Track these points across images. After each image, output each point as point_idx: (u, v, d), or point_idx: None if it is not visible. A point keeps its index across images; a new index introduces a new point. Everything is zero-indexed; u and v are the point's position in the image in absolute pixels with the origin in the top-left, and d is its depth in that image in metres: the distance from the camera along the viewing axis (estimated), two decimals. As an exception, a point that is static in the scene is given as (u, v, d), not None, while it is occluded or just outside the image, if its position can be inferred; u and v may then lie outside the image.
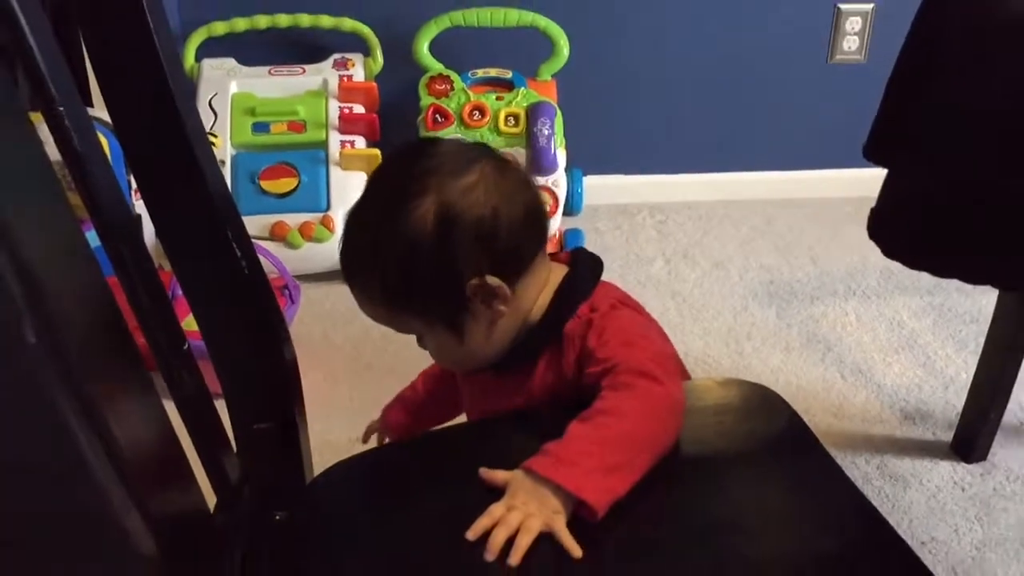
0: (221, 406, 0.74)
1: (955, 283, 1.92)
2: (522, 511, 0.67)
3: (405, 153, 0.83)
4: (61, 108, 0.53)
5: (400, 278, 0.78)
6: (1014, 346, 1.35)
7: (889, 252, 0.82)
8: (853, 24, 2.22)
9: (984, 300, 1.85)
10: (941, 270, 0.83)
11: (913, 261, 0.81)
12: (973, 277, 0.80)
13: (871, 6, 2.19)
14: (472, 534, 0.66)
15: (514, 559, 0.64)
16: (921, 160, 0.80)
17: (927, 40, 0.82)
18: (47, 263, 0.38)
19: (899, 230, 0.83)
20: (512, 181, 0.80)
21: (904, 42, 0.88)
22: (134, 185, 1.68)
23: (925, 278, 1.95)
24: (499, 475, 0.70)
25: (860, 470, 1.41)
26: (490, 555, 0.65)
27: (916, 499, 1.36)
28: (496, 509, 0.67)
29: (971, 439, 1.43)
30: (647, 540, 0.66)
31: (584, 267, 0.85)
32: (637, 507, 0.68)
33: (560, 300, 0.83)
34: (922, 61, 0.83)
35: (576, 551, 0.65)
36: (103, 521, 0.37)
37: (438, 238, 0.76)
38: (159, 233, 0.72)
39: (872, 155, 0.92)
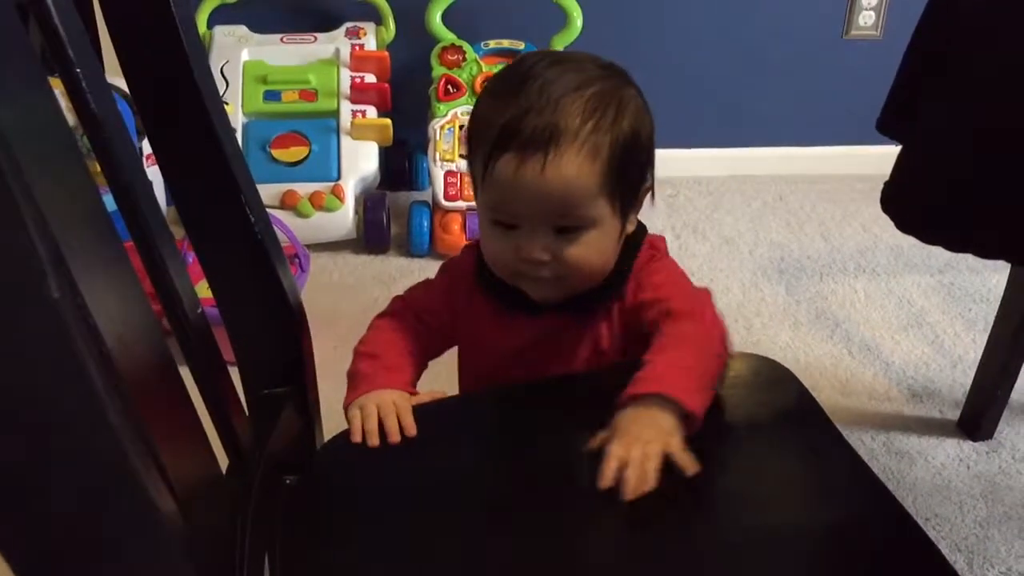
0: (234, 373, 0.75)
1: (965, 262, 1.92)
2: (640, 443, 0.67)
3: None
4: (79, 70, 0.53)
5: (625, 150, 0.78)
6: (1022, 325, 1.35)
7: (902, 226, 0.82)
8: (869, -1, 2.20)
9: (994, 279, 1.85)
10: (955, 244, 0.82)
11: (926, 235, 0.81)
12: (987, 251, 0.79)
13: (888, -19, 2.17)
14: (605, 483, 0.66)
15: (648, 486, 0.65)
16: (934, 128, 0.80)
17: (946, 7, 0.82)
18: (68, 225, 0.39)
19: (913, 203, 0.82)
20: None
21: (923, 12, 0.87)
22: (146, 151, 1.69)
23: (935, 257, 1.95)
24: (599, 437, 0.70)
25: (866, 446, 1.42)
26: (629, 495, 0.65)
27: (921, 476, 1.36)
28: (616, 450, 0.67)
29: (978, 417, 1.43)
30: (656, 509, 0.66)
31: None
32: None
33: (630, 244, 0.85)
34: (940, 31, 0.83)
35: (693, 467, 0.67)
36: (125, 479, 0.38)
37: (647, 133, 0.81)
38: (173, 197, 0.72)
39: (886, 128, 0.92)
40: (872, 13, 2.22)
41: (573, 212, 0.78)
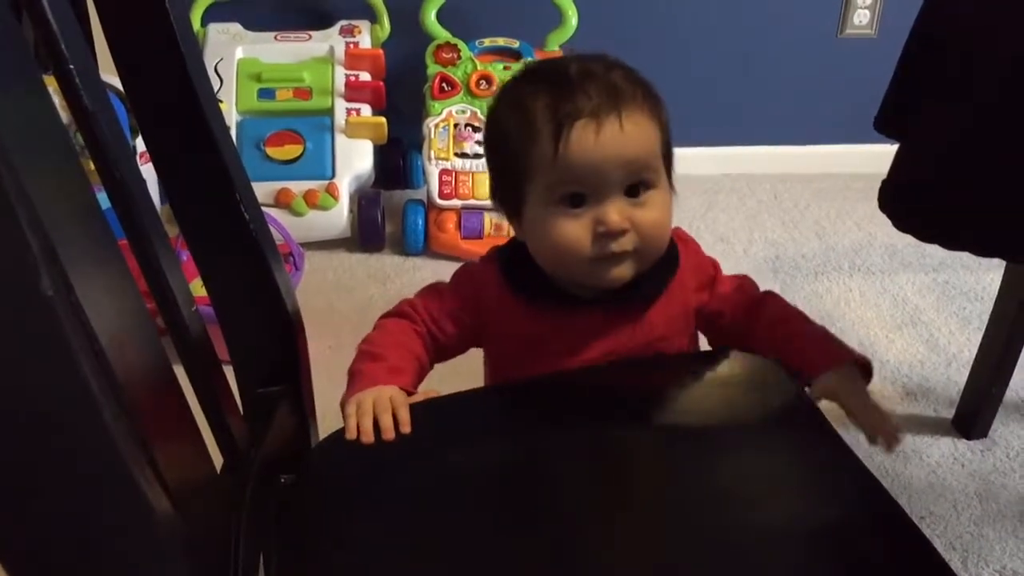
0: (229, 372, 0.74)
1: (960, 260, 1.92)
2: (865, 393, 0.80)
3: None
4: (73, 67, 0.53)
5: (666, 117, 0.83)
6: (1017, 324, 1.35)
7: (899, 225, 0.82)
8: (864, -2, 2.20)
9: (989, 278, 1.85)
10: (951, 243, 0.83)
11: (923, 234, 0.81)
12: (983, 249, 0.80)
13: (883, -20, 2.17)
14: (890, 446, 0.78)
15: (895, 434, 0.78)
16: (931, 126, 0.80)
17: (943, 4, 0.82)
18: (62, 223, 0.38)
19: (910, 202, 0.83)
20: None
21: (920, 10, 0.87)
22: (139, 149, 1.68)
23: (930, 255, 1.95)
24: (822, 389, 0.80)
25: (862, 445, 1.41)
26: (894, 446, 0.79)
27: (916, 474, 1.36)
28: (858, 399, 0.79)
29: (972, 416, 1.43)
30: (651, 507, 0.66)
31: None
32: (643, 475, 0.69)
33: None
34: (938, 29, 0.83)
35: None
36: (120, 478, 0.38)
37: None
38: (168, 195, 0.72)
39: (883, 127, 0.92)
40: (867, 12, 2.22)
41: (646, 168, 0.80)
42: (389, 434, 0.75)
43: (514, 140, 0.80)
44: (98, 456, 0.37)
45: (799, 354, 0.83)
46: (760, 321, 0.87)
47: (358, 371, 0.83)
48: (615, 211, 0.79)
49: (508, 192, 0.84)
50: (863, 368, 0.82)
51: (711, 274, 0.90)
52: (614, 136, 0.77)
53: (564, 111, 0.77)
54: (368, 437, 0.75)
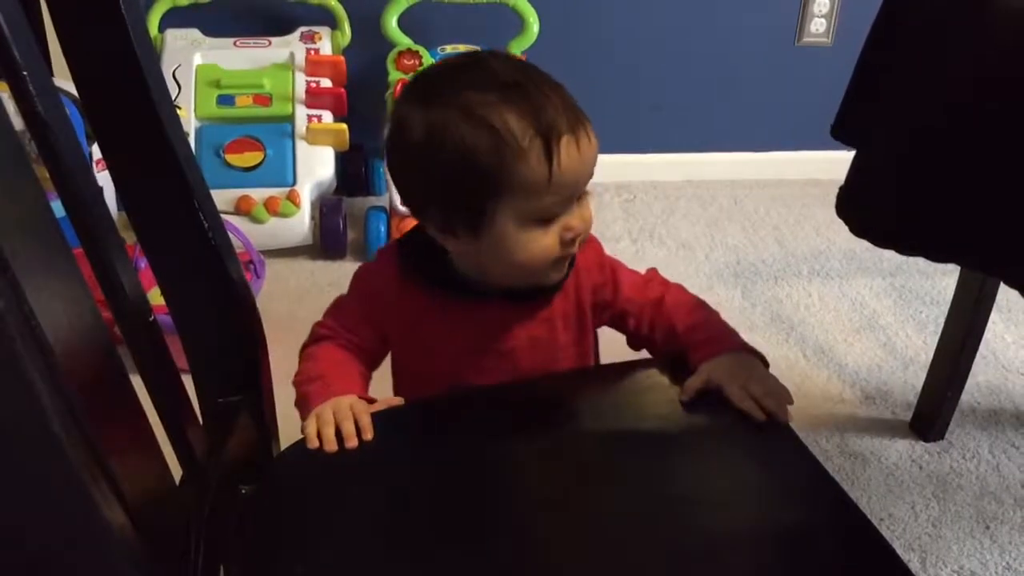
0: (188, 382, 0.73)
1: (916, 265, 1.95)
2: (763, 377, 0.80)
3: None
4: (26, 73, 0.52)
5: None
6: (972, 328, 1.37)
7: (857, 230, 0.83)
8: (820, 7, 2.23)
9: (944, 282, 1.88)
10: (906, 248, 0.84)
11: (880, 239, 0.82)
12: (937, 255, 0.81)
13: (839, -11, 2.20)
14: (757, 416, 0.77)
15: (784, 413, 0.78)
16: (885, 133, 0.81)
17: (899, 12, 0.84)
18: (13, 231, 0.38)
19: (867, 207, 0.84)
20: None
21: (875, 18, 0.89)
22: (96, 156, 1.66)
23: (887, 260, 1.98)
24: (694, 383, 0.80)
25: (820, 448, 1.43)
26: (784, 416, 0.78)
27: (875, 476, 1.38)
28: (734, 387, 0.79)
29: (929, 418, 1.45)
30: (611, 512, 0.66)
31: None
32: (603, 480, 0.69)
33: None
34: (893, 37, 0.84)
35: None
36: (71, 490, 0.37)
37: None
38: (125, 202, 0.71)
39: (839, 134, 0.93)
40: (823, 20, 2.25)
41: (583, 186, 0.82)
42: (352, 441, 0.75)
43: (485, 157, 0.75)
44: (48, 468, 0.37)
45: (686, 345, 0.85)
46: (660, 321, 0.89)
47: (306, 393, 0.83)
48: (578, 218, 0.80)
49: (455, 207, 0.79)
50: (757, 358, 0.84)
51: (611, 277, 0.91)
52: (586, 150, 0.78)
53: (545, 128, 0.75)
54: (331, 446, 0.75)
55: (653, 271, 0.94)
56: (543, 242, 0.79)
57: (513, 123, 0.75)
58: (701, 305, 0.91)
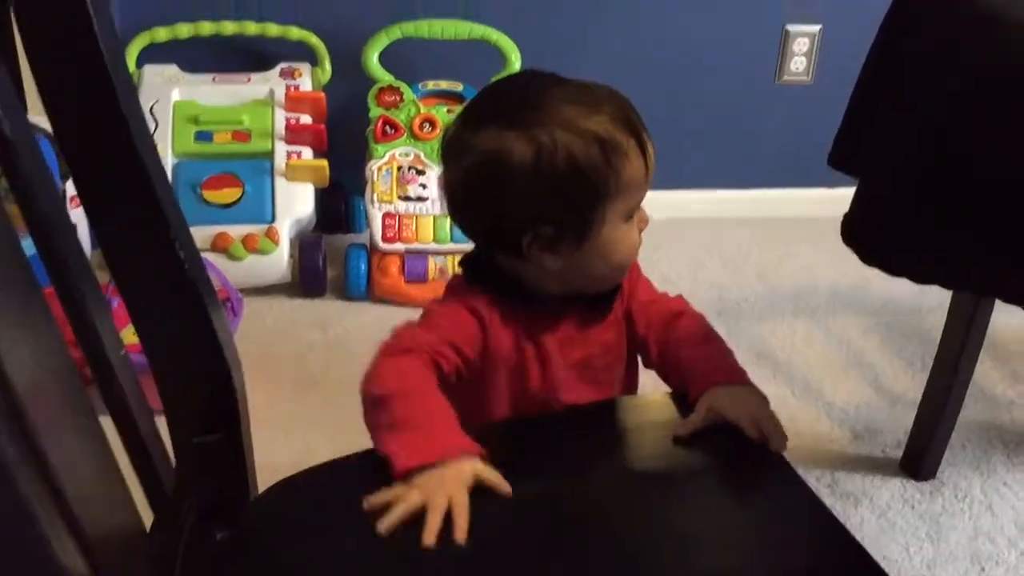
0: (161, 423, 0.70)
1: (902, 302, 1.94)
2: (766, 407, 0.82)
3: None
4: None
5: None
6: (961, 365, 1.36)
7: (865, 257, 0.82)
8: (800, 45, 2.24)
9: (931, 320, 1.87)
10: (918, 275, 0.83)
11: (890, 265, 0.81)
12: (952, 282, 0.80)
13: (818, 27, 2.22)
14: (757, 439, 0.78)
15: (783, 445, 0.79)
16: (890, 158, 0.81)
17: (896, 35, 0.84)
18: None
19: (874, 233, 0.83)
20: None
21: (873, 41, 0.88)
22: (69, 193, 1.63)
23: (872, 297, 1.97)
24: (694, 421, 0.79)
25: (812, 487, 1.40)
26: (781, 446, 0.79)
27: (867, 517, 1.36)
28: (754, 419, 0.79)
29: (920, 457, 1.44)
30: (611, 551, 0.64)
31: None
32: (602, 519, 0.66)
33: None
34: (892, 54, 0.84)
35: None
36: (26, 537, 0.34)
37: None
38: (99, 239, 0.68)
39: (838, 162, 0.92)
40: (803, 59, 2.26)
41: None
42: (461, 534, 0.66)
43: (598, 165, 0.80)
44: (5, 516, 0.33)
45: (691, 376, 0.86)
46: (670, 349, 0.90)
47: (396, 419, 0.73)
48: (644, 211, 0.87)
49: (568, 219, 0.81)
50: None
51: (635, 276, 0.94)
52: (653, 151, 0.84)
53: (632, 127, 0.82)
54: (430, 538, 0.65)
55: (681, 297, 0.96)
56: (633, 237, 0.86)
57: (611, 128, 0.80)
58: (715, 337, 0.92)
